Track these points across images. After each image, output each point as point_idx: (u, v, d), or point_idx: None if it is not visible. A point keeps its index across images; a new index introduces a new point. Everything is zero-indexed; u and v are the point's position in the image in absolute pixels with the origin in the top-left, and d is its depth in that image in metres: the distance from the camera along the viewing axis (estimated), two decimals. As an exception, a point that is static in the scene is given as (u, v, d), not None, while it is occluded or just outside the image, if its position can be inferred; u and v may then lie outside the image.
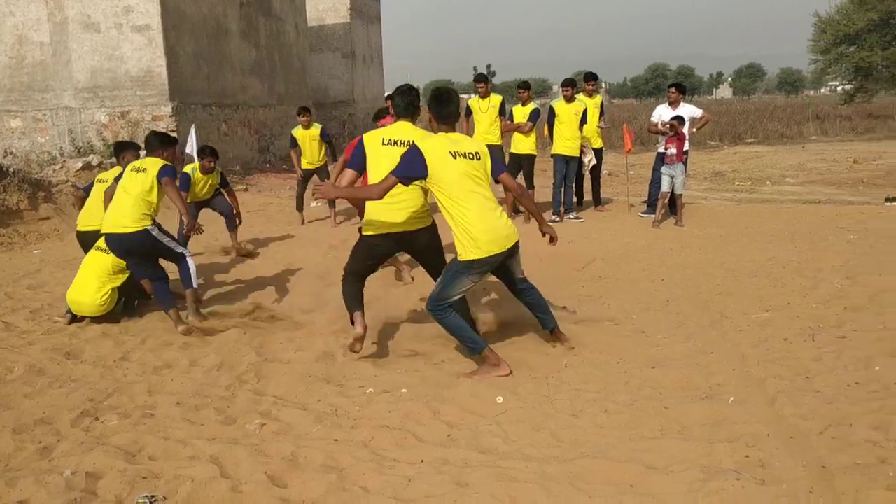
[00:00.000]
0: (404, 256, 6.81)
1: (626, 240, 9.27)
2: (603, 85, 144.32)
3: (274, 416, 4.32)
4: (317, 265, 8.26)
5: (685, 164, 10.54)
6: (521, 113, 10.67)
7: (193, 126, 11.00)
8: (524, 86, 11.01)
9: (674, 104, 10.73)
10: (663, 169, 10.08)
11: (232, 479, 3.52)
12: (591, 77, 11.52)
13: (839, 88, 36.81)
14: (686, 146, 10.71)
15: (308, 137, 11.12)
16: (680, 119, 10.05)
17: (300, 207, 11.60)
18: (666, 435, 3.89)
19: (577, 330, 5.66)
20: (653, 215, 10.77)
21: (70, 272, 7.88)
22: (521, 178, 10.72)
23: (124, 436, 4.05)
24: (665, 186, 10.06)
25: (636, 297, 6.59)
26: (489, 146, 10.75)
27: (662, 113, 10.77)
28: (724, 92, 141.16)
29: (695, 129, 10.91)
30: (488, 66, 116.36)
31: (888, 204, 11.15)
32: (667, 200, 10.14)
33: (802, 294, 6.47)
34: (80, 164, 12.18)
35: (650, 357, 5.08)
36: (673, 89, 10.95)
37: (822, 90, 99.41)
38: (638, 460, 3.60)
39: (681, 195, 10.16)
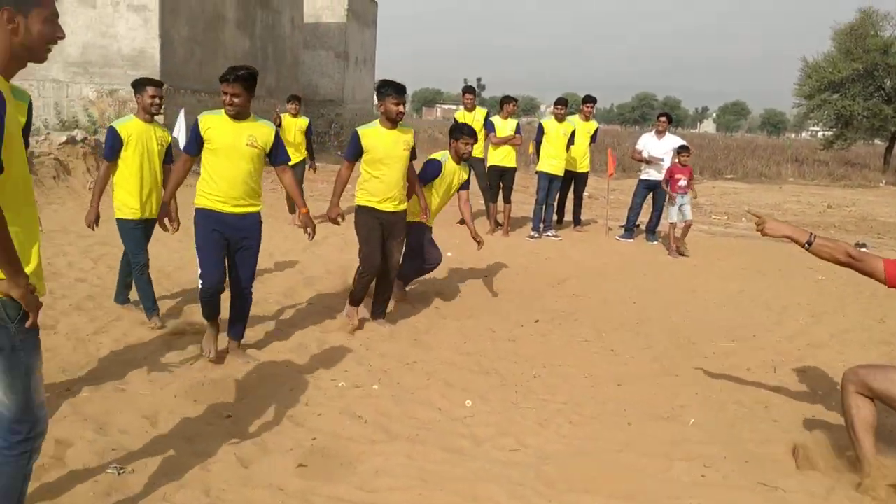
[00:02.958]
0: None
1: (602, 261, 9.42)
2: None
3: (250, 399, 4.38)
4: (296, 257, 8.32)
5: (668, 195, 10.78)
6: (504, 126, 10.74)
7: (182, 111, 10.98)
8: (509, 99, 11.13)
9: (661, 133, 10.92)
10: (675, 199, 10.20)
11: (202, 457, 3.58)
12: (589, 100, 11.61)
13: (819, 134, 37.48)
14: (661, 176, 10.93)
15: (294, 126, 10.59)
16: (686, 149, 10.18)
17: (292, 208, 10.60)
18: (627, 449, 4.01)
19: (548, 343, 5.79)
20: (630, 240, 10.96)
21: (48, 244, 7.87)
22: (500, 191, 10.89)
23: (95, 407, 4.09)
24: (674, 216, 10.15)
25: (608, 317, 6.72)
26: (475, 159, 10.96)
27: (647, 142, 10.95)
28: (709, 126, 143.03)
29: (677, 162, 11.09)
30: (478, 80, 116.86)
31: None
32: (677, 232, 10.21)
33: (768, 328, 6.65)
34: (64, 138, 12.09)
35: (617, 374, 5.21)
36: (663, 118, 11.10)
37: (804, 134, 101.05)
38: (599, 470, 3.71)
39: (691, 222, 10.30)
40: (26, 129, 3.64)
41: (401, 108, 5.56)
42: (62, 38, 2.50)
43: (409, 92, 6.56)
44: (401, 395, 4.59)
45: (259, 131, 4.72)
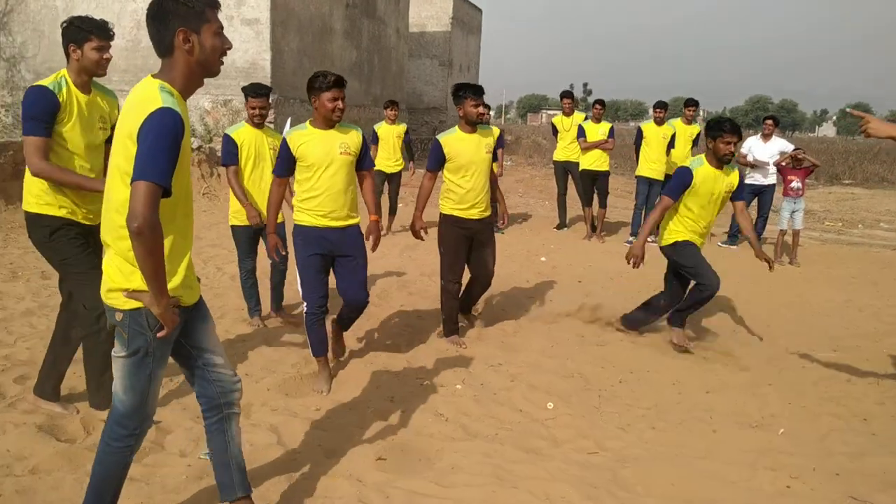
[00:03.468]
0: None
1: (701, 268, 9.19)
2: (701, 113, 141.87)
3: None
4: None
5: (770, 198, 10.43)
6: (594, 130, 10.61)
7: (289, 119, 11.44)
8: (599, 102, 11.01)
9: (767, 137, 10.57)
10: (785, 203, 9.80)
11: (287, 445, 3.77)
12: (691, 103, 11.35)
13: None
14: (773, 180, 10.55)
15: (392, 134, 10.30)
16: (800, 151, 9.83)
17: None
18: (710, 457, 3.94)
19: (638, 349, 5.74)
20: (734, 246, 10.65)
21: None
22: (595, 195, 10.78)
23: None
24: (784, 223, 9.83)
25: (702, 323, 6.58)
26: (571, 163, 10.90)
27: (753, 145, 10.61)
28: (828, 130, 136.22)
29: (783, 164, 10.69)
30: (585, 85, 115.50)
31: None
32: (787, 237, 9.89)
33: (875, 339, 6.35)
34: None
35: (706, 382, 5.11)
36: (770, 121, 10.75)
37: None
38: (679, 476, 3.67)
39: (799, 231, 9.93)
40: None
41: (481, 108, 5.43)
42: (230, 48, 2.62)
43: (515, 98, 6.48)
44: (483, 395, 4.67)
45: (349, 138, 4.60)
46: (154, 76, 2.53)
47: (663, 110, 10.60)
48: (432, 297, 6.81)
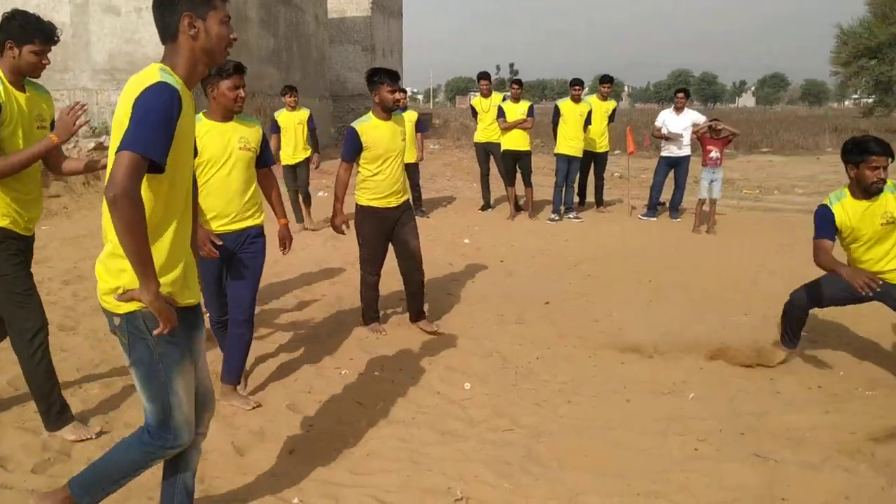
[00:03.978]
0: None
1: (622, 241, 9.36)
2: (626, 88, 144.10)
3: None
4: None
5: (686, 170, 10.69)
6: (513, 110, 10.66)
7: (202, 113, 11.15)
8: (517, 82, 11.04)
9: (679, 109, 10.79)
10: (704, 173, 9.97)
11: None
12: (606, 80, 11.56)
13: (861, 102, 36.68)
14: (688, 152, 10.79)
15: (294, 122, 9.61)
16: (718, 121, 10.01)
17: (299, 217, 9.92)
18: (623, 426, 4.02)
19: (556, 325, 5.81)
20: (653, 218, 10.87)
21: (76, 249, 8.12)
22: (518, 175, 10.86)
23: (105, 405, 4.23)
24: (704, 192, 10.00)
25: (620, 296, 6.70)
26: (492, 143, 10.96)
27: (666, 118, 10.82)
28: (748, 101, 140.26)
29: (702, 134, 10.88)
30: (511, 65, 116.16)
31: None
32: (705, 206, 10.10)
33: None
34: (92, 144, 12.40)
35: (622, 353, 5.20)
36: (681, 94, 10.98)
37: (846, 103, 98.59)
38: (591, 448, 3.73)
39: (716, 200, 10.15)
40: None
41: (397, 94, 5.32)
42: (236, 39, 2.54)
43: (443, 81, 6.33)
44: (401, 380, 4.66)
45: (250, 132, 4.22)
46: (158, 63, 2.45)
47: (580, 88, 10.72)
48: (355, 285, 6.76)
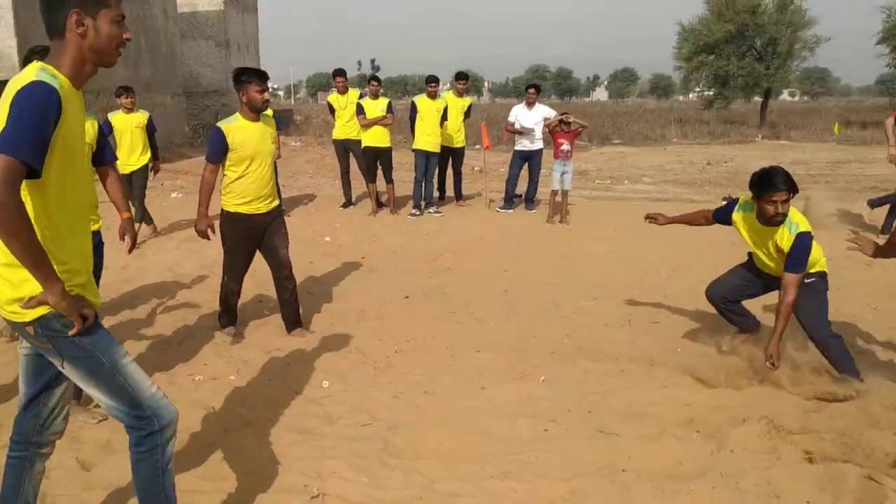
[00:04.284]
0: None
1: (481, 233, 9.59)
2: (486, 83, 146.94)
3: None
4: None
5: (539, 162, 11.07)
6: (372, 107, 10.68)
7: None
8: (375, 79, 11.10)
9: (531, 105, 11.16)
10: (556, 165, 10.30)
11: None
12: (461, 76, 11.79)
13: (703, 94, 39.18)
14: (540, 145, 11.19)
15: (130, 125, 8.85)
16: (567, 115, 10.38)
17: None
18: (477, 413, 4.15)
19: (416, 318, 5.91)
20: (510, 210, 11.19)
21: None
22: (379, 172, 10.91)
23: None
24: (556, 183, 10.34)
25: (478, 287, 6.87)
26: (351, 140, 10.96)
27: (518, 113, 11.17)
28: (601, 95, 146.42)
29: (553, 128, 11.28)
30: (372, 61, 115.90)
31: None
32: (558, 197, 10.43)
33: (630, 284, 6.95)
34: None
35: (478, 342, 5.36)
36: (532, 90, 11.36)
37: (690, 96, 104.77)
38: (447, 436, 3.84)
39: (568, 191, 10.51)
40: None
41: (266, 95, 5.11)
42: (129, 39, 2.45)
43: (304, 77, 6.17)
44: (258, 382, 4.61)
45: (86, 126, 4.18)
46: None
47: (436, 85, 10.90)
48: (212, 289, 6.60)
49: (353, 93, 11.08)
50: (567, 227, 10.02)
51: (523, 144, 11.13)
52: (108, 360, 2.42)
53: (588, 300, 6.43)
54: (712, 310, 5.20)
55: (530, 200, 11.39)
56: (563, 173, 10.28)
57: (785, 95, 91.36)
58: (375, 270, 7.57)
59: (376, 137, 10.67)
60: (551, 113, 11.07)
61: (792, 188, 4.30)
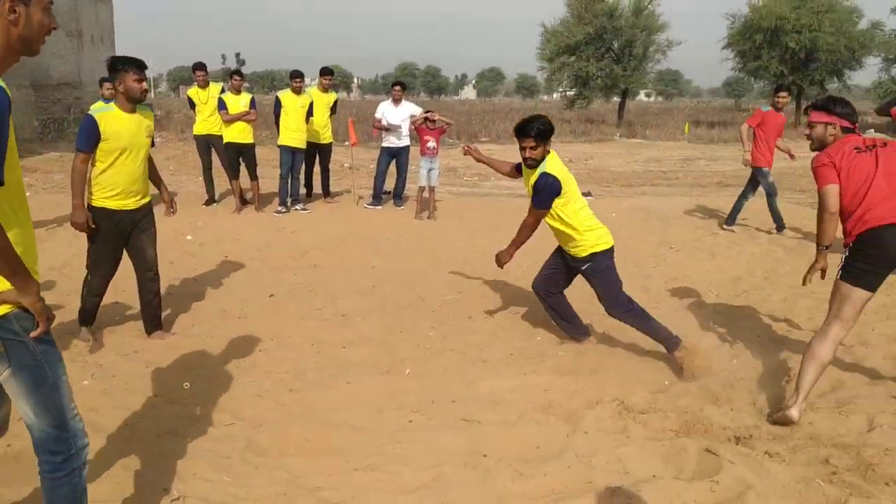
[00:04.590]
0: None
1: (349, 230, 9.57)
2: (355, 80, 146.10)
3: None
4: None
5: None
6: (235, 102, 10.43)
7: None
8: (237, 73, 10.86)
9: (397, 102, 11.23)
10: (422, 162, 10.39)
11: None
12: (326, 72, 11.67)
13: (566, 94, 40.54)
14: (407, 142, 11.29)
15: None
16: (432, 112, 10.49)
17: None
18: (343, 408, 4.18)
19: (280, 316, 5.85)
20: (378, 207, 11.23)
21: None
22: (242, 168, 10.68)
23: None
24: (423, 180, 10.44)
25: (344, 284, 6.88)
26: (213, 136, 10.66)
27: (385, 110, 11.22)
28: (470, 93, 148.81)
29: (413, 127, 11.35)
30: (237, 55, 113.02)
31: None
32: (425, 193, 10.52)
33: (492, 277, 7.15)
34: None
35: (344, 338, 5.38)
36: (398, 87, 11.43)
37: (554, 95, 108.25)
38: (312, 432, 3.85)
39: (435, 188, 10.63)
40: None
41: (144, 85, 4.90)
42: (56, 28, 2.38)
43: (164, 70, 5.92)
44: (114, 387, 4.43)
45: None
46: None
47: (301, 80, 10.78)
48: (63, 292, 6.28)
49: (215, 87, 10.78)
50: (434, 223, 10.17)
51: (391, 141, 11.19)
52: (53, 375, 2.38)
53: (454, 293, 6.57)
54: (575, 297, 5.44)
55: (398, 197, 11.47)
56: (430, 170, 10.43)
57: (641, 96, 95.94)
58: (239, 269, 7.41)
59: (239, 133, 10.44)
60: (417, 110, 11.17)
61: (539, 136, 4.94)
